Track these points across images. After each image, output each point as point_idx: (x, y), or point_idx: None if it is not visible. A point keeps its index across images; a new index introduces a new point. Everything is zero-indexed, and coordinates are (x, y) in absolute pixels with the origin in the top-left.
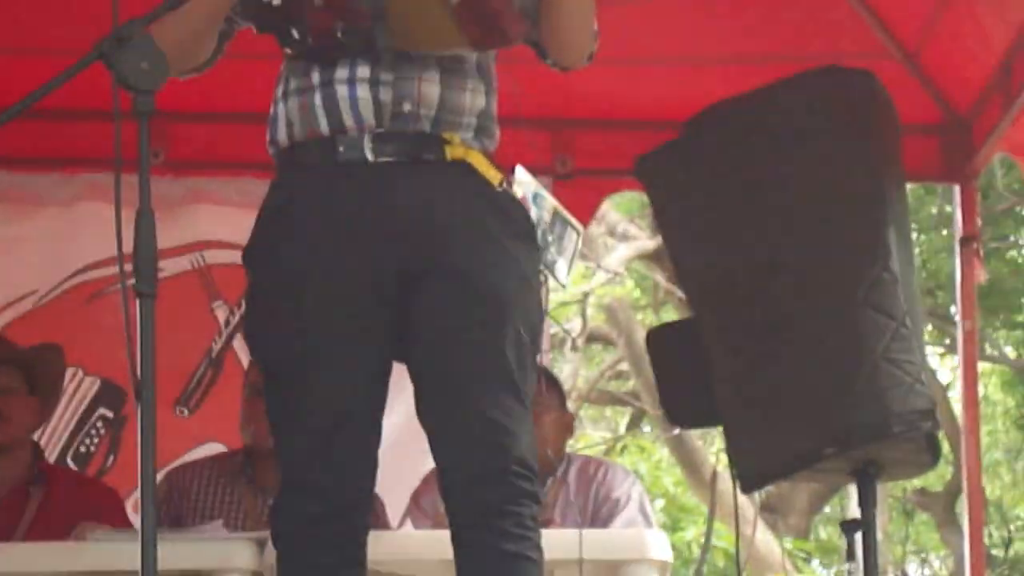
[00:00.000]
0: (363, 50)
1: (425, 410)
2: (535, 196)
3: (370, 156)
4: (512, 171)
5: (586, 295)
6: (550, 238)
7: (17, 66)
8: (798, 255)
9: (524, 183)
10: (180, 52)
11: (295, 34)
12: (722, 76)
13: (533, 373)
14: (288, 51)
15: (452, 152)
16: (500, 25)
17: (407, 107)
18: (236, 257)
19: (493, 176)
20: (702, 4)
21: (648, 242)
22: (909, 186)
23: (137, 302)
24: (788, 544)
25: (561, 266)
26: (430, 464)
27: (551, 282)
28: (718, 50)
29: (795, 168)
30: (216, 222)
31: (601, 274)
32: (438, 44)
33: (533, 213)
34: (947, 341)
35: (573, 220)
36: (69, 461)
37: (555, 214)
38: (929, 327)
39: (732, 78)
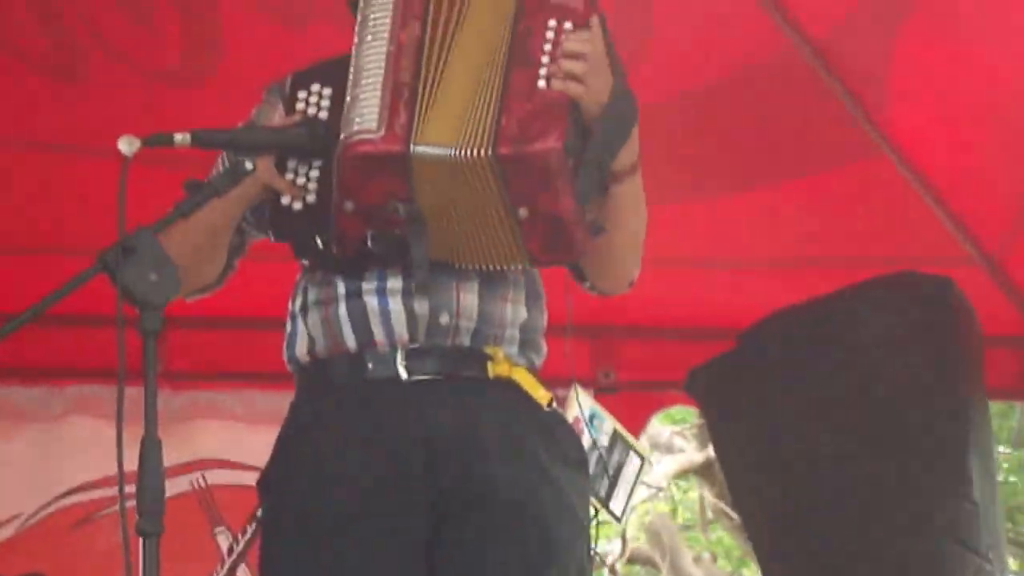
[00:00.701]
0: (394, 259)
1: None
2: (592, 417)
3: (403, 374)
4: (568, 387)
5: None
6: (607, 465)
7: (10, 266)
8: (871, 481)
9: (581, 403)
10: (190, 267)
11: (319, 243)
12: (783, 280)
13: None
14: (305, 262)
15: (495, 369)
16: (569, 238)
17: (444, 319)
18: (240, 478)
19: (541, 396)
20: (760, 202)
21: (696, 454)
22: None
23: (141, 542)
24: None
25: (618, 498)
26: None
27: (603, 514)
28: (778, 252)
29: (867, 384)
30: (218, 439)
31: (643, 490)
32: (487, 260)
33: (588, 437)
34: None
35: (637, 445)
36: None
37: (615, 437)
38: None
39: (794, 282)
